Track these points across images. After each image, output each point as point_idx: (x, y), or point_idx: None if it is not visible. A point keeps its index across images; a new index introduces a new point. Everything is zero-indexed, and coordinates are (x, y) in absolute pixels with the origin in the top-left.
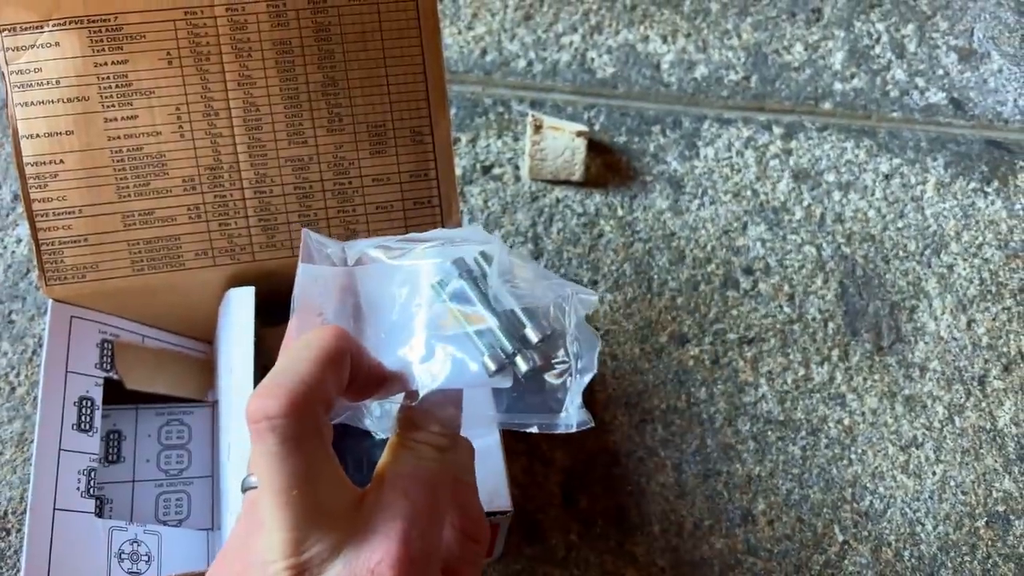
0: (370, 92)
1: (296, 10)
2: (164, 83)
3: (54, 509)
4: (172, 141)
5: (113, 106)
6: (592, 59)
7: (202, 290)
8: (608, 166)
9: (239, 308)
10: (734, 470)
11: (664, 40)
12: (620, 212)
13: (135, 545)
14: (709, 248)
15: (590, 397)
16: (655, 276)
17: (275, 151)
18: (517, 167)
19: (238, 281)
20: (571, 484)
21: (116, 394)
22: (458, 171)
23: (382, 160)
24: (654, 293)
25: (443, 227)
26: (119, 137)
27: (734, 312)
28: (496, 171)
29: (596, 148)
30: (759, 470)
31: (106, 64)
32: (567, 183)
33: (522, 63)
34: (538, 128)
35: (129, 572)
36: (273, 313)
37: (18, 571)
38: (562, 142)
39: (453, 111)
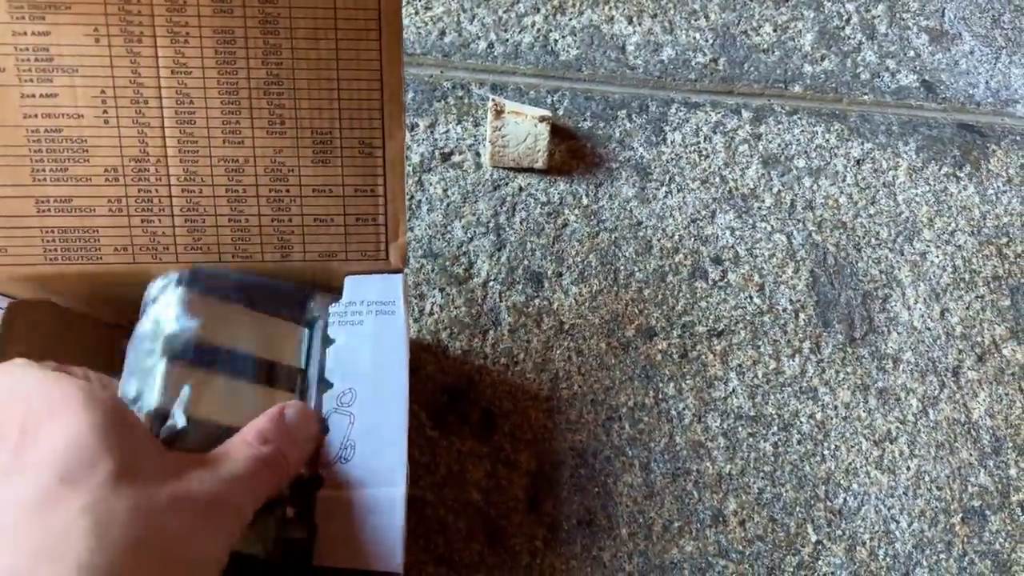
0: (318, 95)
1: None
2: (89, 61)
3: None
4: (95, 126)
5: (31, 81)
6: (555, 41)
7: (119, 286)
8: (572, 152)
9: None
10: (704, 468)
11: (629, 21)
12: (585, 201)
13: None
14: (677, 237)
15: (556, 394)
16: (621, 267)
17: (207, 148)
18: (478, 154)
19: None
20: (536, 487)
21: None
22: (416, 158)
23: (325, 170)
24: (620, 285)
25: (387, 248)
26: (36, 116)
27: (703, 304)
28: (456, 158)
29: (560, 134)
30: (730, 468)
31: (26, 34)
32: (530, 170)
33: (482, 45)
34: (499, 113)
35: None
36: None
37: None
38: (524, 128)
39: (410, 95)
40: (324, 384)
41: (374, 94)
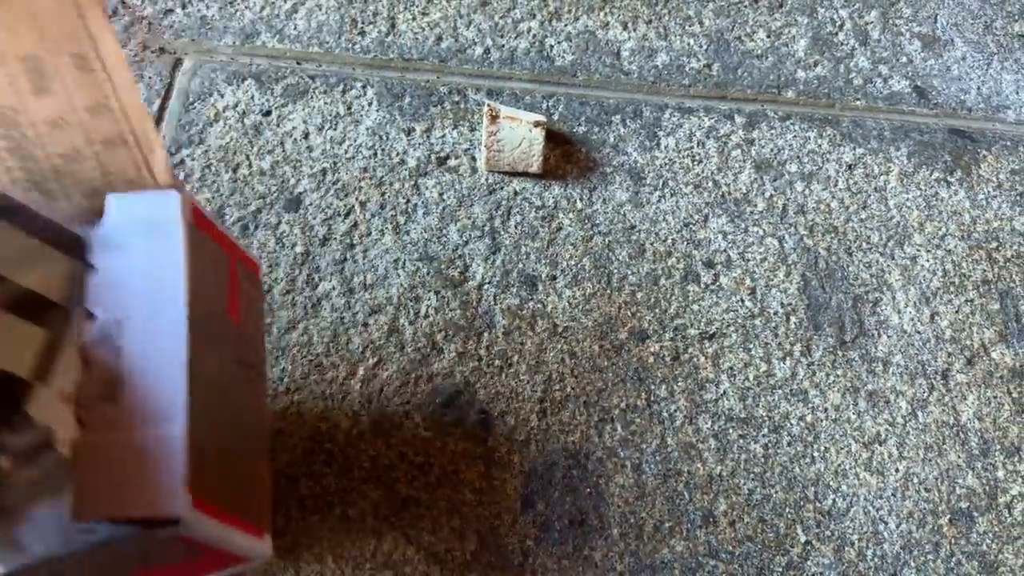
0: (13, 21)
1: None
2: None
3: None
4: None
5: None
6: (551, 46)
7: None
8: (567, 157)
9: None
10: (695, 470)
11: (624, 27)
12: (579, 205)
13: None
14: (670, 241)
15: (549, 396)
16: (615, 271)
17: None
18: (474, 158)
19: None
20: (529, 487)
21: None
22: (412, 162)
23: (51, 101)
24: (614, 288)
25: (147, 164)
26: None
27: (695, 307)
28: (452, 162)
29: (555, 138)
30: (720, 469)
31: None
32: (525, 175)
33: (479, 50)
34: (494, 118)
35: None
36: None
37: None
38: (519, 133)
39: (407, 100)
40: (86, 316)
41: (67, 2)
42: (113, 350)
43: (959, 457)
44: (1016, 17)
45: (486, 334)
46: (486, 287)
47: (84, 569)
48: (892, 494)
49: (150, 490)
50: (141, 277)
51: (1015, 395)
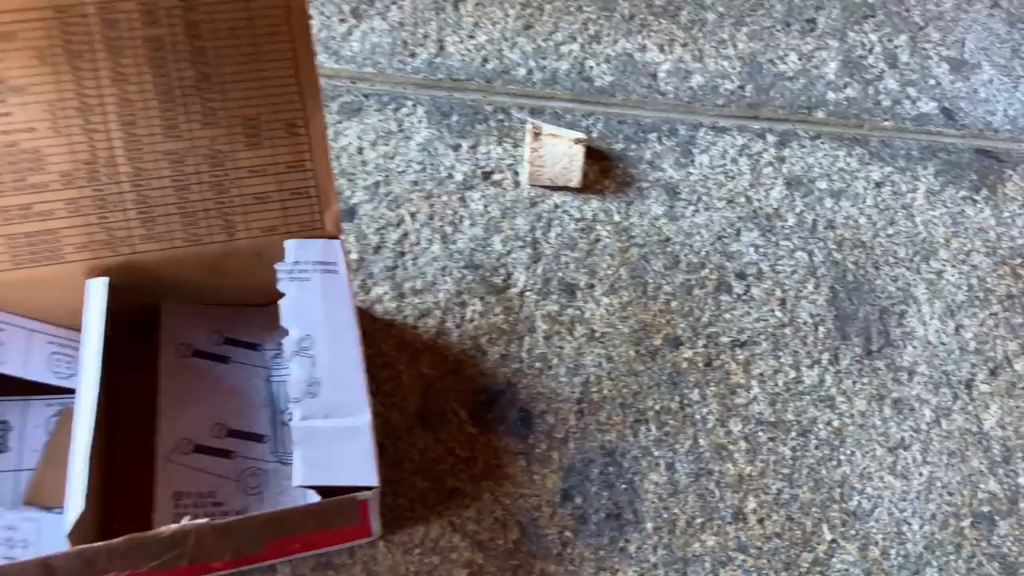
0: (243, 86)
1: (167, 8)
2: (37, 80)
3: None
4: (47, 137)
5: None
6: (591, 67)
7: (84, 283)
8: (605, 173)
9: (93, 301)
10: (726, 469)
11: (661, 49)
12: (617, 218)
13: (11, 531)
14: (703, 253)
15: (587, 397)
16: (650, 280)
17: (151, 145)
18: (516, 173)
19: (120, 272)
20: (568, 482)
21: (6, 386)
22: (459, 176)
23: (257, 153)
24: (649, 297)
25: (322, 217)
26: None
27: (727, 316)
28: (496, 177)
29: (594, 155)
30: (750, 470)
31: None
32: (565, 189)
33: (522, 71)
34: (537, 135)
35: (4, 558)
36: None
37: None
38: (560, 149)
39: (454, 118)
40: (280, 331)
41: (291, 79)
42: (309, 357)
43: (981, 463)
44: None
45: (527, 338)
46: (527, 294)
47: (262, 529)
48: (916, 497)
49: (354, 464)
50: (321, 303)
51: None
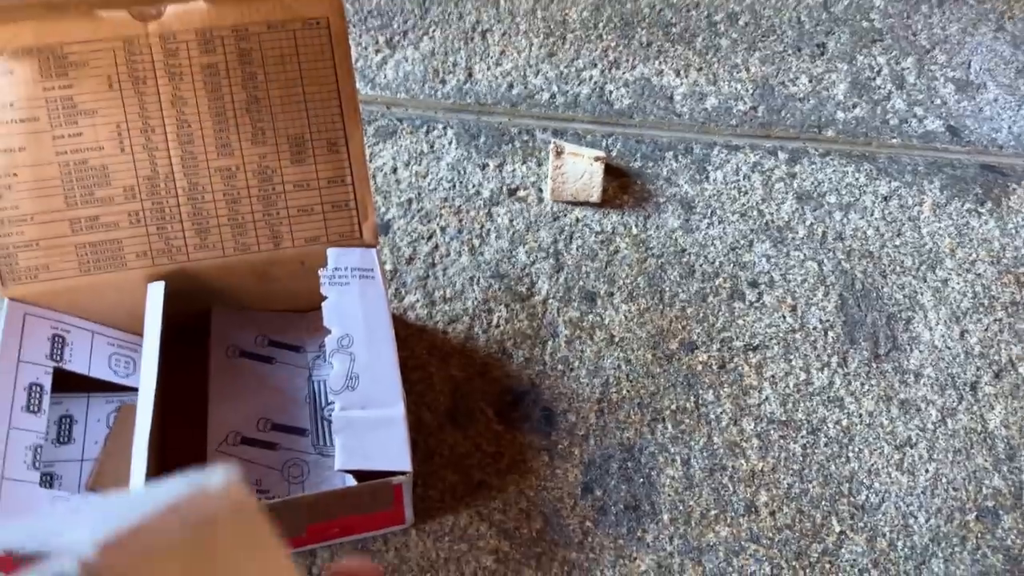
0: (290, 108)
1: (221, 37)
2: (106, 104)
3: (2, 478)
4: (113, 155)
5: (60, 125)
6: (610, 92)
7: (142, 288)
8: (624, 188)
9: (152, 303)
10: (739, 465)
11: (677, 74)
12: (635, 230)
13: None
14: (717, 263)
15: (607, 397)
16: (667, 288)
17: (205, 162)
18: (540, 189)
19: (176, 278)
20: (588, 476)
21: (72, 382)
22: (486, 193)
23: (302, 168)
24: (666, 304)
25: (360, 228)
26: (66, 152)
27: (740, 322)
28: (521, 193)
29: (613, 172)
30: (762, 465)
31: (54, 88)
32: (586, 204)
33: (545, 96)
34: (559, 153)
35: None
36: (191, 310)
37: None
38: (581, 166)
39: (482, 139)
40: (322, 332)
41: (333, 102)
42: (349, 355)
43: (986, 460)
44: None
45: (550, 342)
46: (550, 301)
47: (305, 512)
48: (922, 492)
49: (388, 452)
50: (359, 305)
51: None
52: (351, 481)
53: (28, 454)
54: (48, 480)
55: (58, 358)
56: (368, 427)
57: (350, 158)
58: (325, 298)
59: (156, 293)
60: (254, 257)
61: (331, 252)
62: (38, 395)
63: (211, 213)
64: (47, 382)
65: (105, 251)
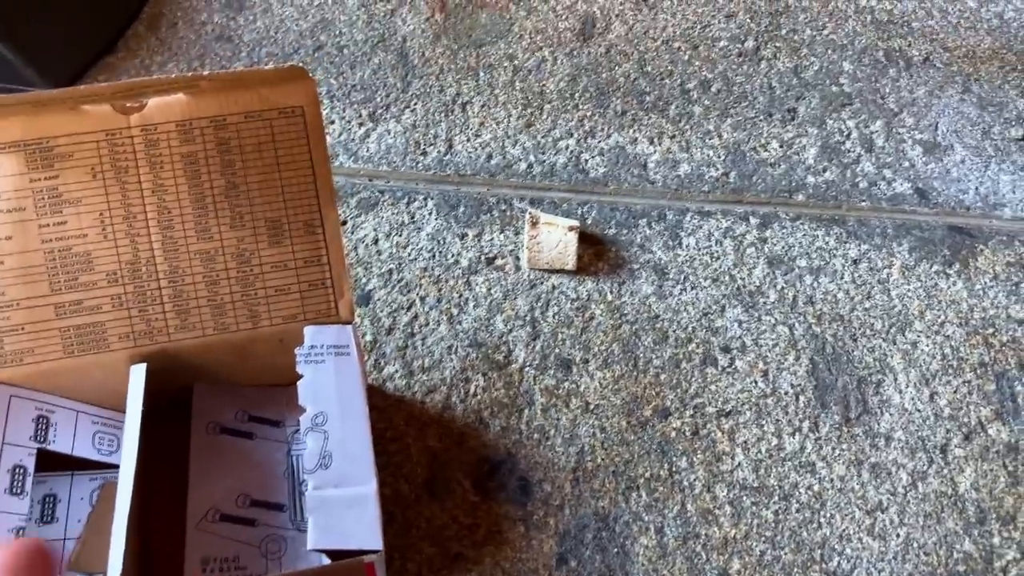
0: (267, 192)
1: (200, 128)
2: (90, 193)
3: None
4: (97, 241)
5: (46, 214)
6: (586, 160)
7: (125, 368)
8: (599, 255)
9: (134, 384)
10: (712, 532)
11: (651, 142)
12: (609, 297)
13: None
14: (690, 329)
15: (582, 465)
16: (640, 355)
17: (185, 246)
18: (518, 258)
19: (157, 358)
20: (563, 547)
21: (56, 461)
22: (464, 262)
23: (279, 250)
24: (640, 370)
25: (336, 305)
26: (51, 240)
27: (712, 387)
28: (499, 262)
29: (588, 240)
30: (735, 532)
31: (40, 179)
32: (562, 271)
33: (523, 165)
34: (534, 223)
35: None
36: (172, 387)
37: None
38: (556, 235)
39: (461, 209)
40: (299, 409)
41: (309, 185)
42: (323, 432)
43: (957, 524)
44: (1012, 123)
45: (526, 411)
46: (527, 369)
47: None
48: (893, 557)
49: (360, 530)
50: (334, 383)
51: (1010, 468)
52: (326, 560)
53: (11, 537)
54: None
55: (42, 439)
56: (341, 505)
57: (326, 239)
58: (301, 376)
59: (138, 376)
60: (233, 336)
61: (308, 330)
62: (21, 477)
63: (191, 295)
64: (30, 464)
65: (89, 334)
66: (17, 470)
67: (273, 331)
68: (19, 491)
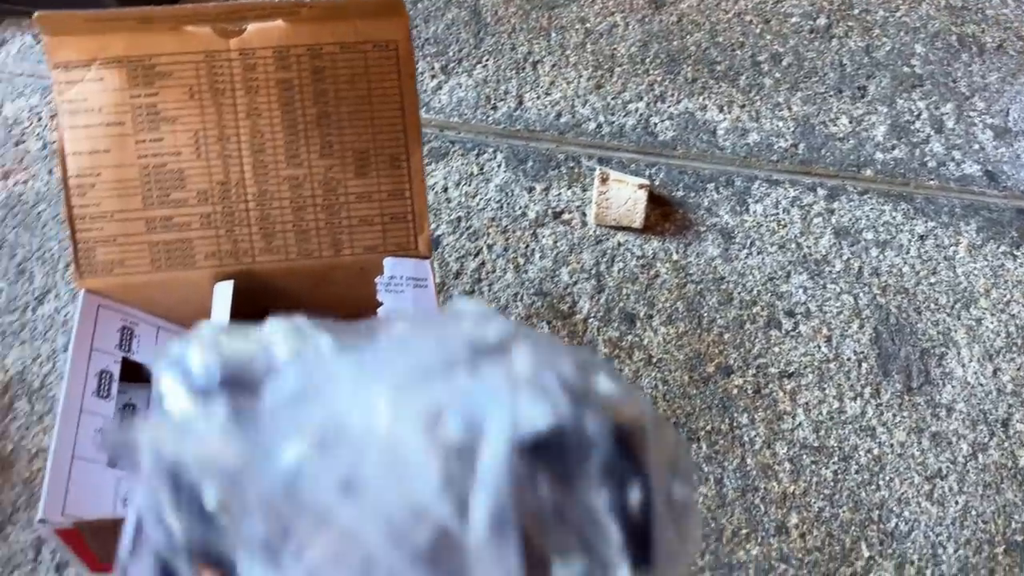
0: (356, 124)
1: (297, 56)
2: (186, 112)
3: (72, 457)
4: (190, 160)
5: (143, 130)
6: (655, 124)
7: (209, 286)
8: (666, 216)
9: (219, 300)
10: (771, 487)
11: (721, 110)
12: (675, 256)
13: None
14: (755, 292)
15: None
16: (705, 314)
17: (276, 171)
18: (584, 214)
19: (241, 279)
20: None
21: (136, 373)
22: (532, 215)
23: (365, 181)
24: (703, 329)
25: (416, 239)
26: (147, 155)
27: (776, 349)
28: (566, 216)
29: (655, 200)
30: (794, 488)
31: (140, 96)
32: (628, 229)
33: (592, 125)
34: (604, 180)
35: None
36: (251, 311)
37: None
38: (625, 192)
39: (529, 164)
40: None
41: (397, 122)
42: None
43: (1016, 496)
44: None
45: None
46: (591, 320)
47: None
48: (951, 523)
49: None
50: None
51: None
52: None
53: (97, 436)
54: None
55: (126, 348)
56: None
57: (410, 174)
58: (380, 304)
59: (224, 291)
60: (315, 263)
61: (387, 261)
62: (107, 382)
63: (278, 219)
64: (116, 370)
65: (177, 250)
66: (104, 375)
67: (354, 260)
68: (105, 394)
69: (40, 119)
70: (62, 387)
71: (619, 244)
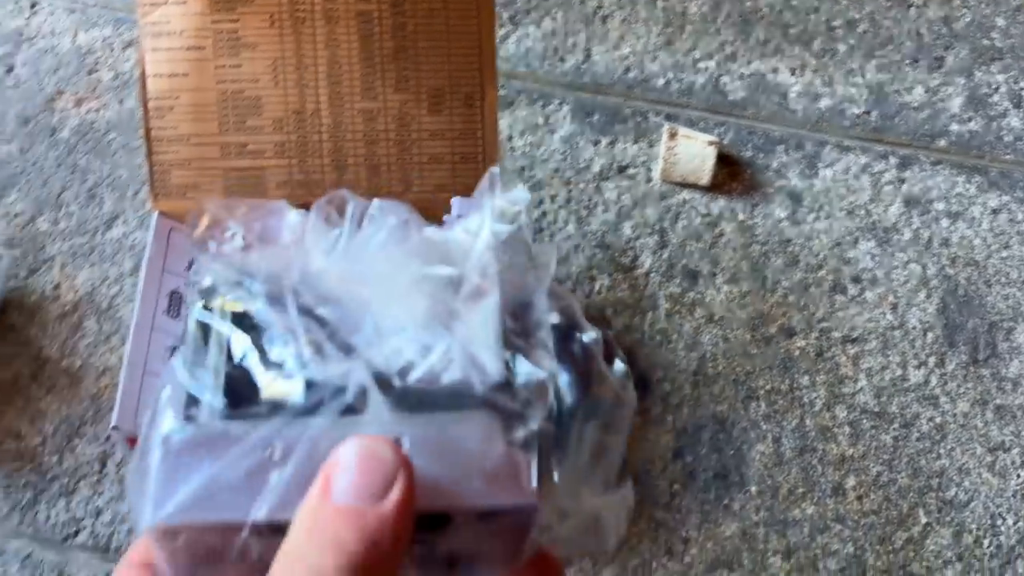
0: (433, 60)
1: None
2: (266, 39)
3: (143, 373)
4: (267, 88)
5: (223, 55)
6: (725, 83)
7: None
8: (733, 176)
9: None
10: (829, 449)
11: (792, 72)
12: (741, 216)
13: None
14: (821, 256)
15: (703, 371)
16: (769, 275)
17: (351, 103)
18: (649, 169)
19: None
20: (680, 442)
21: None
22: (596, 168)
23: (439, 119)
24: (767, 289)
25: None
26: (225, 81)
27: (840, 314)
28: (630, 171)
29: (723, 159)
30: (852, 452)
31: (221, 22)
32: (694, 187)
33: (660, 81)
34: (673, 135)
35: None
36: None
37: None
38: (694, 149)
39: (596, 117)
40: None
41: (474, 60)
42: None
43: None
44: None
45: (650, 314)
46: (652, 275)
47: None
48: (1012, 495)
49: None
50: None
51: None
52: None
53: (166, 353)
54: None
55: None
56: None
57: (483, 114)
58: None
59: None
60: (384, 197)
61: (455, 201)
62: (177, 303)
63: (350, 151)
64: (185, 292)
65: (249, 177)
66: (174, 296)
67: (422, 198)
68: (175, 314)
69: (112, 50)
70: (136, 303)
71: (684, 201)
